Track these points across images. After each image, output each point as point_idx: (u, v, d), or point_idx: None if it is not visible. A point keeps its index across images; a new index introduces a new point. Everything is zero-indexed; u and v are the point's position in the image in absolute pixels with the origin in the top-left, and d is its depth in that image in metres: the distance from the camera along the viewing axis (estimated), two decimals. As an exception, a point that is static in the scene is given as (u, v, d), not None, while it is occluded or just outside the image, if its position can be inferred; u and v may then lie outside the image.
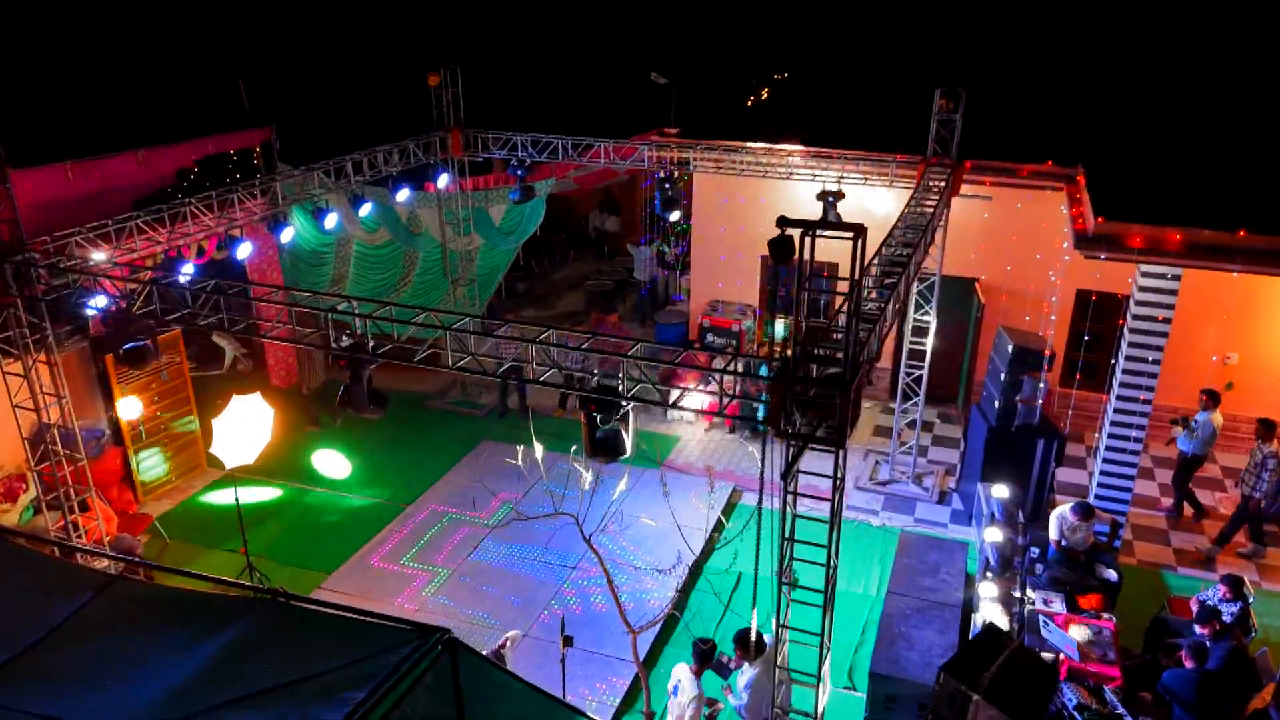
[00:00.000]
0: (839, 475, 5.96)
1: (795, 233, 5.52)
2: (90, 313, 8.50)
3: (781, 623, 6.49)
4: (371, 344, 7.10)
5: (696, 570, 10.97)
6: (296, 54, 19.50)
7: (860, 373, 5.86)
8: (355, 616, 4.16)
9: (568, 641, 7.64)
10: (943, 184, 10.79)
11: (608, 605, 10.01)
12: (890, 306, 7.40)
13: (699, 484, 11.90)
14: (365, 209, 12.54)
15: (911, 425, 12.83)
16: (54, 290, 8.26)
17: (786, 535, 6.28)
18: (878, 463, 13.29)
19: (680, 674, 7.52)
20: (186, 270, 9.50)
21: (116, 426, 12.20)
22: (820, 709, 6.65)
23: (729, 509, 12.16)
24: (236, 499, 10.47)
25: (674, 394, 6.33)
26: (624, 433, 6.54)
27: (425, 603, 10.46)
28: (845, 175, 12.11)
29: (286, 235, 11.22)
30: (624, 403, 6.43)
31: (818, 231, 5.47)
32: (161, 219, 9.77)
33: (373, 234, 15.21)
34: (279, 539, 11.73)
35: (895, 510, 12.29)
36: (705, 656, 7.47)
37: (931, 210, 9.87)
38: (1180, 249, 9.26)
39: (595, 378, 6.52)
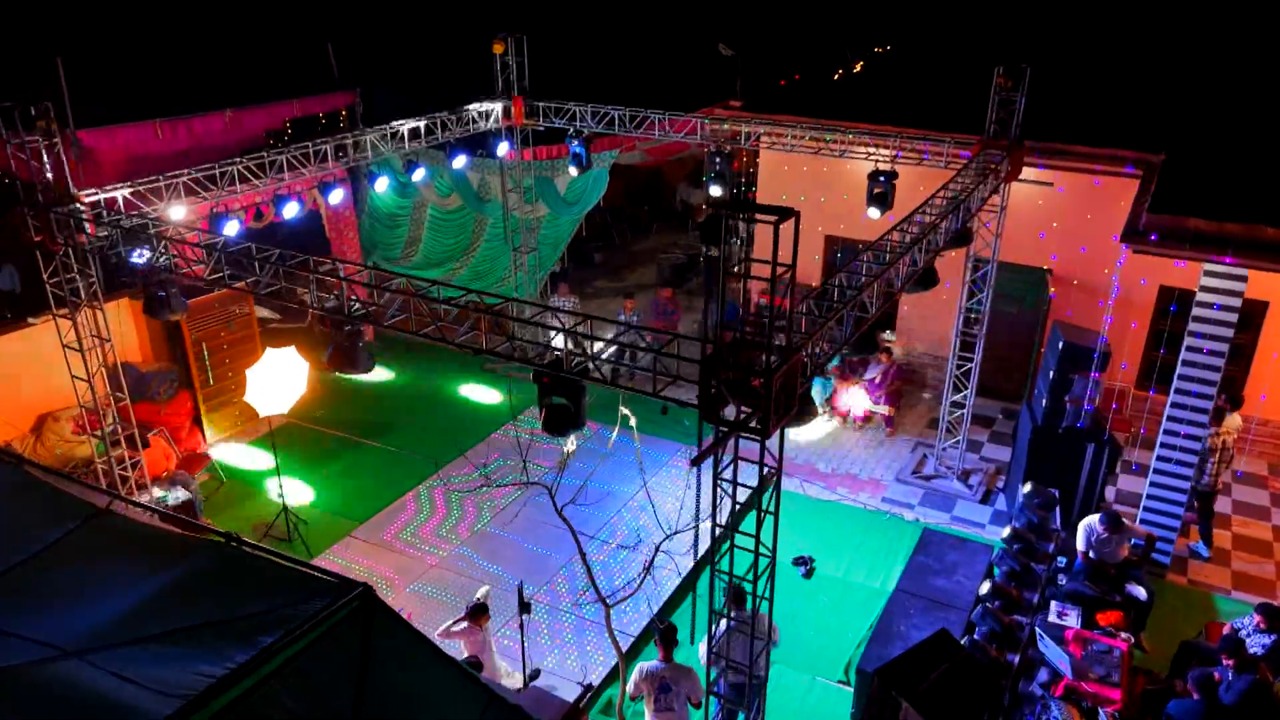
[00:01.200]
0: (764, 465, 5.80)
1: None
2: (135, 263, 9.04)
3: (718, 610, 6.40)
4: (356, 306, 7.35)
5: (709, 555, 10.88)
6: (382, 19, 20.00)
7: (793, 359, 5.65)
8: (291, 565, 4.40)
9: (525, 608, 7.73)
10: (995, 166, 10.19)
11: (619, 577, 10.11)
12: (874, 295, 7.09)
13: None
14: (419, 173, 12.84)
15: (960, 420, 12.27)
16: (98, 241, 8.87)
17: (725, 524, 6.18)
18: (924, 456, 12.79)
19: (656, 671, 7.20)
20: (231, 229, 9.97)
21: (188, 371, 13.04)
22: (751, 700, 6.53)
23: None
24: (274, 446, 11.06)
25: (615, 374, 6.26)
26: (576, 410, 6.55)
27: (439, 560, 10.78)
28: (900, 154, 11.58)
29: (335, 197, 11.64)
30: (578, 380, 6.43)
31: (745, 214, 5.30)
32: (213, 177, 10.31)
33: (445, 198, 15.61)
34: (325, 487, 12.29)
35: (932, 506, 11.80)
36: (668, 637, 7.39)
37: (969, 192, 9.35)
38: (1238, 246, 8.44)
39: (550, 351, 6.53)
